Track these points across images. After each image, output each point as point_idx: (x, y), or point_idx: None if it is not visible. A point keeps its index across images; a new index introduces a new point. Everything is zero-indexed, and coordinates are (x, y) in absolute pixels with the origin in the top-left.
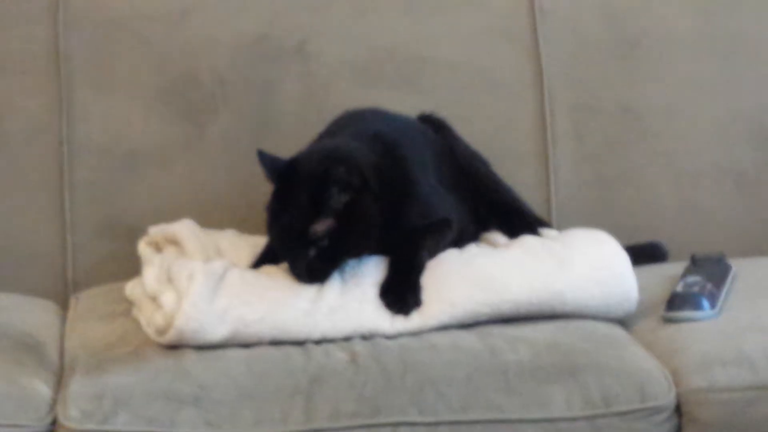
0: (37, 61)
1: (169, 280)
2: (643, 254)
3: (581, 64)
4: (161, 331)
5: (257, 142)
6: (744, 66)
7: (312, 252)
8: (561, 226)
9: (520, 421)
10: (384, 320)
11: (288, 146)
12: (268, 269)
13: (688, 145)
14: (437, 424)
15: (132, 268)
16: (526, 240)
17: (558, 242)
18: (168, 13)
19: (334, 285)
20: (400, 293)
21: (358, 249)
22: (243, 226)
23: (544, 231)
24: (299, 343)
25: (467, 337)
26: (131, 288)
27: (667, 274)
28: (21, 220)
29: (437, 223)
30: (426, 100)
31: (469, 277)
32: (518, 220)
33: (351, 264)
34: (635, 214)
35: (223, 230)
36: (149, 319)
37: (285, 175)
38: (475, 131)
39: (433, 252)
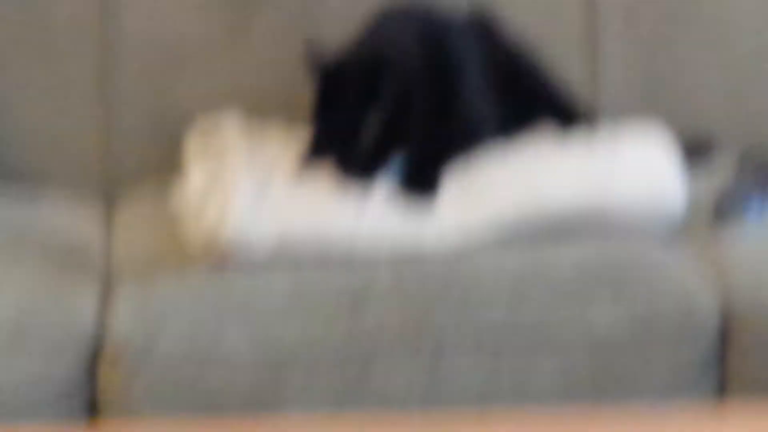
0: None
1: (213, 188)
2: (691, 150)
3: None
4: (206, 247)
5: (304, 35)
6: None
7: (363, 141)
8: (610, 114)
9: (563, 337)
10: (427, 240)
11: (334, 38)
12: (313, 174)
13: (735, 40)
14: (481, 330)
15: (178, 162)
16: (573, 143)
17: (605, 146)
18: None
19: (377, 198)
20: (418, 179)
21: (410, 139)
22: (290, 116)
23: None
24: (343, 262)
25: (511, 256)
26: (175, 198)
27: (716, 172)
28: (64, 116)
29: (471, 122)
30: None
31: (513, 187)
32: (568, 117)
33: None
34: (683, 110)
35: (270, 121)
36: (194, 234)
37: (332, 69)
38: (521, 27)
39: (460, 150)
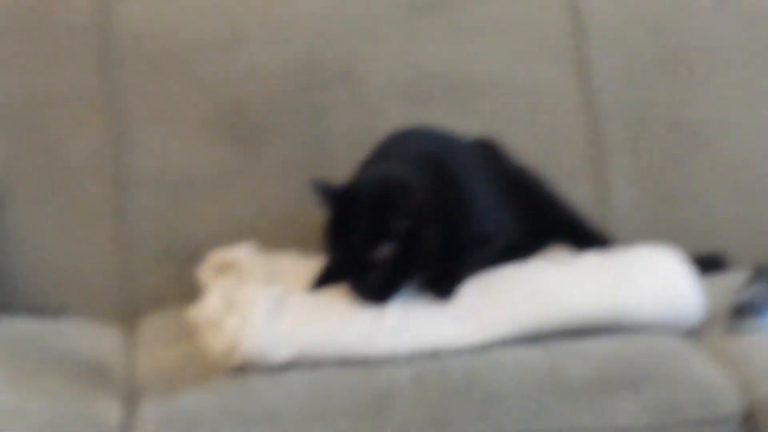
0: (88, 94)
1: (231, 306)
2: (705, 264)
3: (632, 78)
4: (227, 354)
5: (311, 166)
6: None
7: (373, 278)
8: (619, 244)
9: (587, 430)
10: (446, 337)
11: (341, 169)
12: (329, 292)
13: (744, 156)
14: None
15: (192, 293)
16: (588, 256)
17: (620, 258)
18: (216, 42)
19: (395, 305)
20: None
21: (420, 271)
22: (302, 248)
23: (607, 247)
24: (363, 362)
25: (531, 352)
26: (193, 313)
27: (730, 284)
28: (83, 249)
29: (482, 237)
30: (475, 121)
31: (531, 291)
32: (582, 236)
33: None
34: (694, 228)
35: (282, 253)
36: (214, 342)
37: (343, 200)
38: (526, 152)
39: (475, 266)
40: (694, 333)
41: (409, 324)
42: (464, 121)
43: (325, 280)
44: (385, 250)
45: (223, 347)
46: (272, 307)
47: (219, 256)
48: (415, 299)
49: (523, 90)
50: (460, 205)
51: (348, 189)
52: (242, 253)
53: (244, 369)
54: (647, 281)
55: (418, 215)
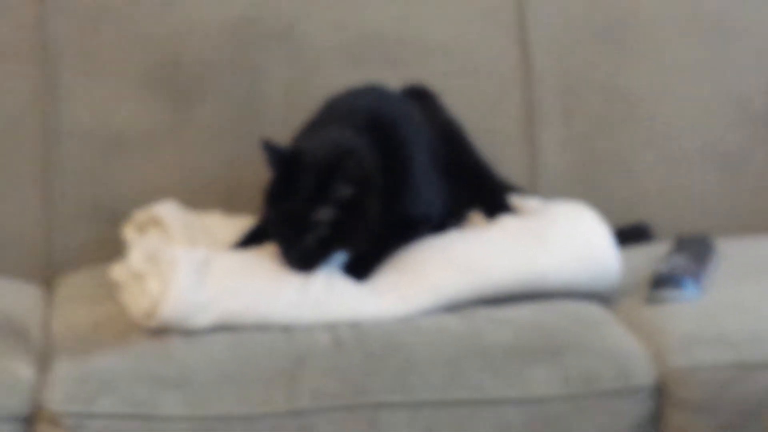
0: (22, 47)
1: (153, 265)
2: (629, 235)
3: (568, 46)
4: (147, 315)
5: (244, 126)
6: (730, 48)
7: (308, 239)
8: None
9: (502, 401)
10: (369, 311)
11: (276, 129)
12: (255, 253)
13: (675, 127)
14: (419, 404)
15: (116, 251)
16: (507, 220)
17: (538, 220)
18: None
19: (319, 277)
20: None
21: (355, 241)
22: (229, 208)
23: (525, 200)
24: (284, 328)
25: (451, 320)
26: (117, 270)
27: (652, 254)
28: (5, 203)
29: (416, 221)
30: (413, 82)
31: (451, 261)
32: (489, 189)
33: (337, 257)
34: (622, 195)
35: (208, 211)
36: (135, 301)
37: (289, 162)
38: (462, 113)
39: (400, 246)
40: (613, 302)
41: (333, 297)
42: (402, 82)
43: (253, 239)
44: (324, 213)
45: (143, 309)
46: (195, 270)
47: (143, 213)
48: (340, 272)
49: (462, 52)
50: (403, 174)
51: (296, 151)
52: (165, 211)
53: (163, 331)
54: (565, 246)
55: (362, 185)
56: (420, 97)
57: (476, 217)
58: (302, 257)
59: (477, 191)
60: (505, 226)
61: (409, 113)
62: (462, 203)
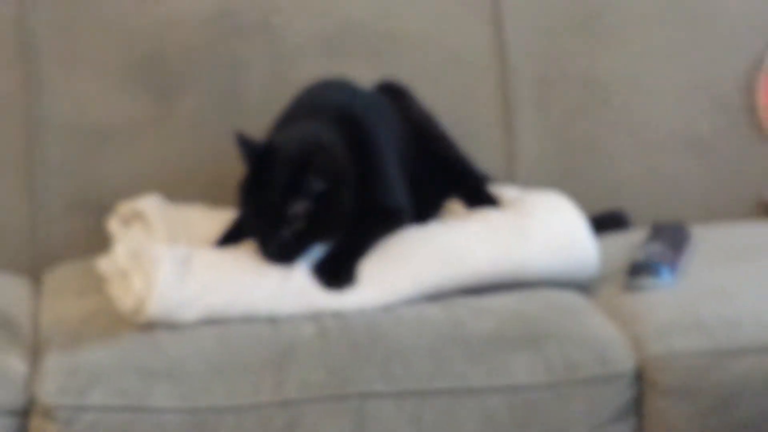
0: (4, 40)
1: (136, 260)
2: (606, 223)
3: (543, 35)
4: (133, 313)
5: (225, 118)
6: (703, 36)
7: (285, 232)
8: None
9: (485, 389)
10: (351, 297)
11: (256, 121)
12: (235, 249)
13: (650, 114)
14: (403, 393)
15: (102, 243)
16: (486, 211)
17: (517, 211)
18: None
19: (301, 267)
20: (333, 270)
21: (330, 234)
22: (212, 200)
23: (502, 190)
24: (269, 319)
25: (432, 309)
26: (103, 263)
27: (629, 242)
28: None
29: (391, 212)
30: (391, 73)
31: (432, 252)
32: (466, 181)
33: (318, 247)
34: (598, 183)
35: (191, 205)
36: (121, 296)
37: (263, 157)
38: (439, 103)
39: (379, 239)
40: (591, 290)
41: (315, 286)
42: (380, 74)
43: (234, 235)
44: (299, 207)
45: (130, 305)
46: (178, 268)
47: (126, 206)
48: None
49: (438, 43)
50: (372, 168)
51: (269, 145)
52: (148, 205)
53: (151, 324)
54: (543, 236)
55: (335, 178)
56: (393, 93)
57: (455, 207)
58: (280, 251)
59: (454, 184)
60: (485, 216)
61: (377, 108)
62: (440, 196)
